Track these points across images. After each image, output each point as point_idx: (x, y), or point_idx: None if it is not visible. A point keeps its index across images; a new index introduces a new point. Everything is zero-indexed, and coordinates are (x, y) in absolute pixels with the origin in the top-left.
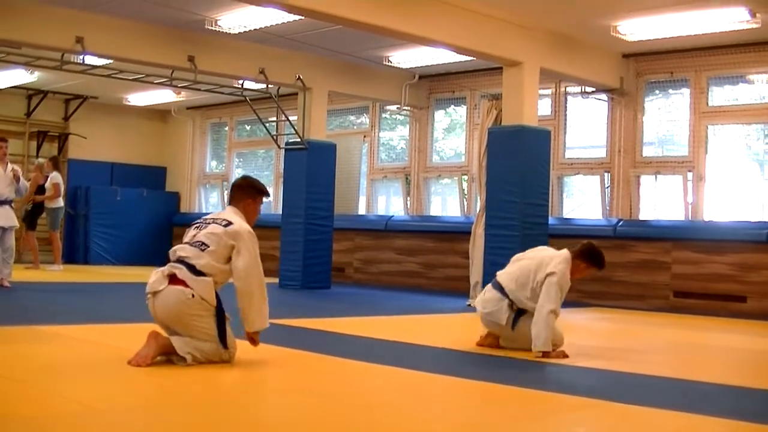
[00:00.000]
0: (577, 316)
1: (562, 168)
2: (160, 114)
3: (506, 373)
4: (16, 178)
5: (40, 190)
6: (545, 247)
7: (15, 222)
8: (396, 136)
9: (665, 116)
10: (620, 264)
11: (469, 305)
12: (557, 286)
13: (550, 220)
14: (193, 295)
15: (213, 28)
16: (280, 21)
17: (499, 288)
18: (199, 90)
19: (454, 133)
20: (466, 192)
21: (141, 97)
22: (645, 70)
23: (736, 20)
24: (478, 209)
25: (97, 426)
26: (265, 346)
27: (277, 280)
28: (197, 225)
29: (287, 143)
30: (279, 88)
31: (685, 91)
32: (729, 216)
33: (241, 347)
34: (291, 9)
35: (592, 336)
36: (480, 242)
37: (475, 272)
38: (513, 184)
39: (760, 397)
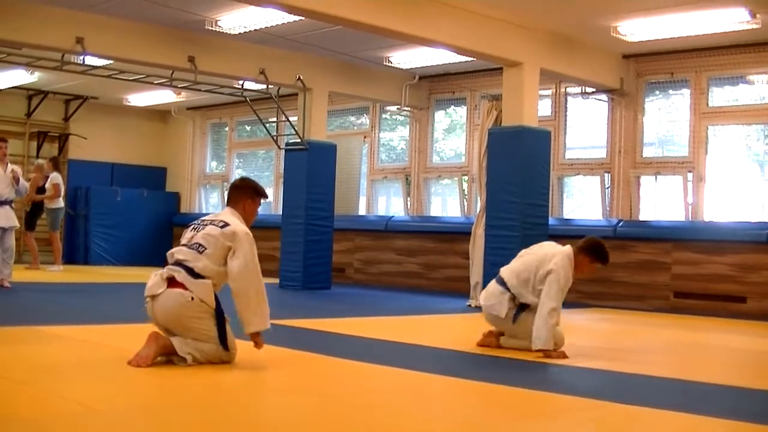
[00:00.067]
0: (577, 316)
1: (563, 168)
2: (160, 114)
3: (506, 374)
4: (16, 180)
5: (40, 191)
6: (550, 243)
7: (15, 222)
8: (396, 136)
9: (665, 117)
10: (620, 264)
11: (470, 306)
12: (557, 284)
13: (551, 221)
14: (192, 298)
15: (213, 29)
16: (281, 21)
17: (502, 282)
18: (200, 90)
19: (454, 133)
20: (466, 192)
21: (141, 98)
22: (645, 71)
23: (736, 21)
24: (478, 210)
25: (97, 426)
26: (265, 347)
27: (277, 281)
28: (194, 227)
29: (287, 144)
30: (279, 88)
31: (686, 92)
32: (729, 216)
33: (242, 347)
34: (291, 9)
35: (593, 337)
36: (480, 243)
37: (476, 273)
38: (513, 185)
39: (760, 398)
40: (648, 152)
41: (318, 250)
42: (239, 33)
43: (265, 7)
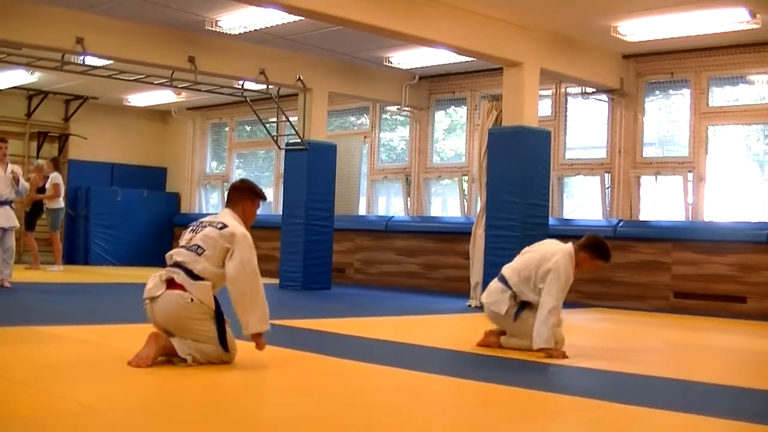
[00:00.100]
0: (577, 316)
1: (563, 168)
2: (160, 114)
3: (506, 374)
4: (16, 180)
5: (40, 191)
6: (552, 241)
7: (15, 222)
8: (396, 136)
9: (665, 117)
10: (620, 265)
11: (470, 306)
12: (558, 283)
13: (551, 221)
14: (192, 299)
15: (213, 29)
16: (281, 22)
17: (503, 280)
18: (200, 91)
19: (454, 133)
20: (466, 193)
21: (141, 98)
22: (645, 71)
23: (736, 21)
24: (478, 210)
25: (97, 427)
26: (266, 347)
27: (277, 281)
28: (193, 228)
29: (287, 144)
30: (279, 88)
31: (686, 92)
32: (729, 217)
33: (242, 348)
34: (291, 10)
35: (593, 337)
36: (480, 243)
37: (476, 273)
38: (513, 185)
39: (760, 398)
40: (648, 152)
41: (318, 251)
42: (239, 33)
43: (265, 7)
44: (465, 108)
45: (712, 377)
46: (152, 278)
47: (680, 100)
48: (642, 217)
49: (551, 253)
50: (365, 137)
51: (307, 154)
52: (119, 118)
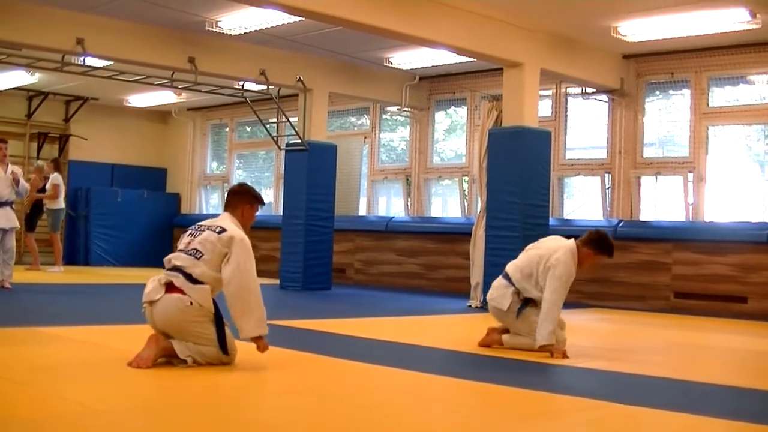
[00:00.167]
0: (577, 317)
1: (563, 169)
2: (160, 115)
3: (507, 375)
4: (16, 181)
5: (41, 192)
6: (555, 237)
7: (15, 223)
8: (396, 137)
9: (666, 117)
10: (621, 265)
11: (470, 306)
12: (559, 280)
13: (551, 221)
14: (191, 303)
15: (213, 30)
16: (281, 22)
17: (507, 277)
18: (200, 91)
19: (454, 134)
20: (466, 193)
21: (141, 99)
22: (645, 71)
23: (736, 21)
24: (478, 210)
25: (97, 427)
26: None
27: (277, 282)
28: (191, 232)
29: (288, 144)
30: (279, 89)
31: (686, 92)
32: (730, 217)
33: (242, 348)
34: (291, 10)
35: (593, 337)
36: (481, 243)
37: (476, 273)
38: (513, 185)
39: (760, 398)
40: (648, 152)
41: (318, 251)
42: (239, 34)
43: (265, 7)
44: (465, 108)
45: (713, 377)
46: (151, 281)
47: (680, 100)
48: (642, 218)
49: (554, 250)
50: (365, 138)
51: (308, 155)
52: (119, 118)
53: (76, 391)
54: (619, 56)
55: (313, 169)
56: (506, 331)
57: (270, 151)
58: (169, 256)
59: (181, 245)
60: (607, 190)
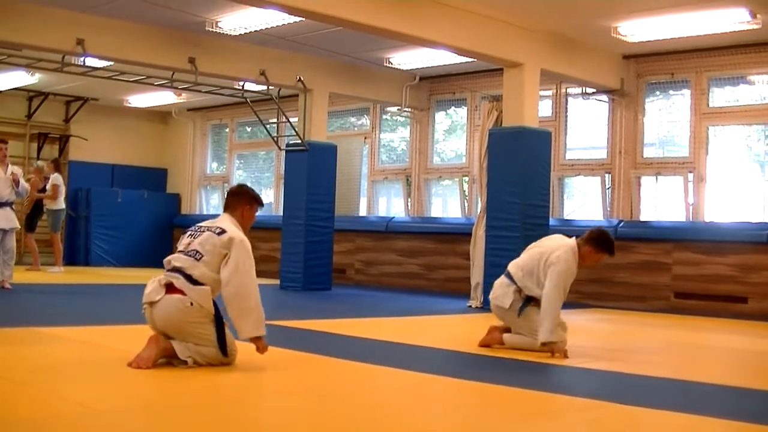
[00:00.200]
0: (577, 317)
1: (563, 169)
2: (160, 115)
3: (507, 375)
4: (16, 182)
5: (41, 193)
6: (558, 236)
7: (16, 224)
8: (397, 137)
9: (666, 117)
10: (621, 265)
11: (470, 306)
12: (558, 276)
13: (551, 221)
14: (191, 303)
15: (213, 30)
16: (281, 22)
17: (509, 276)
18: (200, 92)
19: (454, 134)
20: (466, 193)
21: (142, 99)
22: (645, 71)
23: (736, 21)
24: (479, 210)
25: (97, 427)
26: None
27: (278, 282)
28: (191, 233)
29: (288, 145)
30: (280, 89)
31: (686, 92)
32: (730, 217)
33: (242, 349)
34: (291, 10)
35: (593, 337)
36: (481, 244)
37: (476, 274)
38: (514, 185)
39: (760, 398)
40: (648, 153)
41: (318, 251)
42: (239, 34)
43: (266, 8)
44: (465, 108)
45: (713, 377)
46: (151, 282)
47: (681, 100)
48: (642, 218)
49: (554, 248)
50: (366, 138)
51: (308, 155)
52: (120, 119)
53: (76, 391)
54: (619, 56)
55: (313, 170)
56: (508, 330)
57: (270, 152)
58: (169, 258)
59: (180, 246)
60: (607, 191)
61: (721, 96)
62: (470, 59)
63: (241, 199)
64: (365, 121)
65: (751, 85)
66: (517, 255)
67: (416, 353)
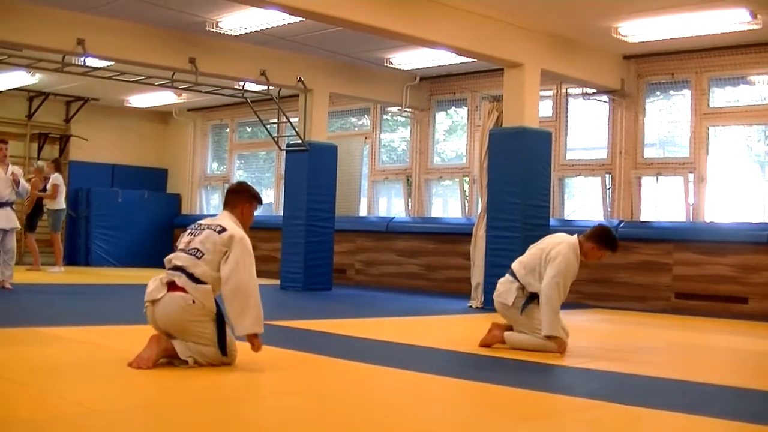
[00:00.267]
0: (578, 317)
1: (563, 169)
2: (161, 116)
3: (507, 375)
4: (16, 182)
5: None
6: (559, 234)
7: (16, 224)
8: (397, 137)
9: (666, 117)
10: (621, 265)
11: (470, 306)
12: (557, 268)
13: (552, 222)
14: (194, 301)
15: (214, 30)
16: (281, 23)
17: (512, 274)
18: (200, 92)
19: (455, 134)
20: (467, 193)
21: (142, 99)
22: (646, 72)
23: (737, 21)
24: (479, 211)
25: (97, 427)
26: (265, 348)
27: (278, 282)
28: (191, 231)
29: (288, 145)
30: (280, 89)
31: (686, 93)
32: (730, 217)
33: (242, 349)
34: (291, 10)
35: (594, 337)
36: (481, 244)
37: (477, 274)
38: (514, 186)
39: (760, 398)
40: (649, 153)
41: (319, 251)
42: (240, 34)
43: (266, 8)
44: (466, 109)
45: (713, 378)
46: (152, 281)
47: (681, 100)
48: (643, 218)
49: (556, 244)
50: (366, 138)
51: (308, 155)
52: (120, 119)
53: (76, 391)
54: (619, 57)
55: (313, 170)
56: (510, 328)
57: (270, 152)
58: (170, 256)
59: (181, 244)
60: (607, 191)
61: (721, 96)
62: (471, 59)
63: (240, 197)
64: (366, 121)
65: (752, 85)
66: (518, 255)
67: (416, 353)
